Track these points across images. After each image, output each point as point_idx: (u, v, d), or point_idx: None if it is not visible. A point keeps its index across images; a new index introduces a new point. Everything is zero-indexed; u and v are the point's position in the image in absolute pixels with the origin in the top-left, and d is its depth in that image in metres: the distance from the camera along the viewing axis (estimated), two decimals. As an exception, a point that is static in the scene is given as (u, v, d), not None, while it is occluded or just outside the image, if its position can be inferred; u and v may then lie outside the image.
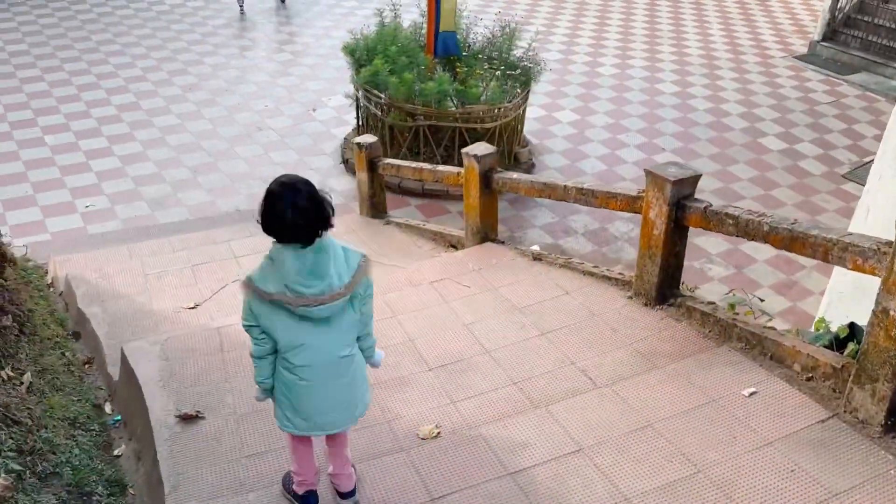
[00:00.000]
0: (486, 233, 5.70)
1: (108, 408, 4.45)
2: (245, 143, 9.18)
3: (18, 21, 12.63)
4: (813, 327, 4.32)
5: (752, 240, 3.80)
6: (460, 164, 5.73)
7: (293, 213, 2.57)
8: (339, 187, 8.51)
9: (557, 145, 9.77)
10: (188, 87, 10.81)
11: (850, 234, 3.35)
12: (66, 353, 4.74)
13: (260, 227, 2.65)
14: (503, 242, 5.74)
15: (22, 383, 3.80)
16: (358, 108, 9.12)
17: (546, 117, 10.45)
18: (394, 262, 5.78)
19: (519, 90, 8.78)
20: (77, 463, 3.59)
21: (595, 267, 5.01)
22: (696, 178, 4.17)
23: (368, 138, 6.97)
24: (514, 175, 5.47)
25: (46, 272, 6.26)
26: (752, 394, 3.61)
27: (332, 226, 2.68)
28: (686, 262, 7.69)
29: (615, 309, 4.53)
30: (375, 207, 7.14)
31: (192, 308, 5.35)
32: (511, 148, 8.94)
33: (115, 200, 8.14)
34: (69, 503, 3.34)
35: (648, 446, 3.40)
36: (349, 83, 9.35)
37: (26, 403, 3.61)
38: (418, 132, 8.49)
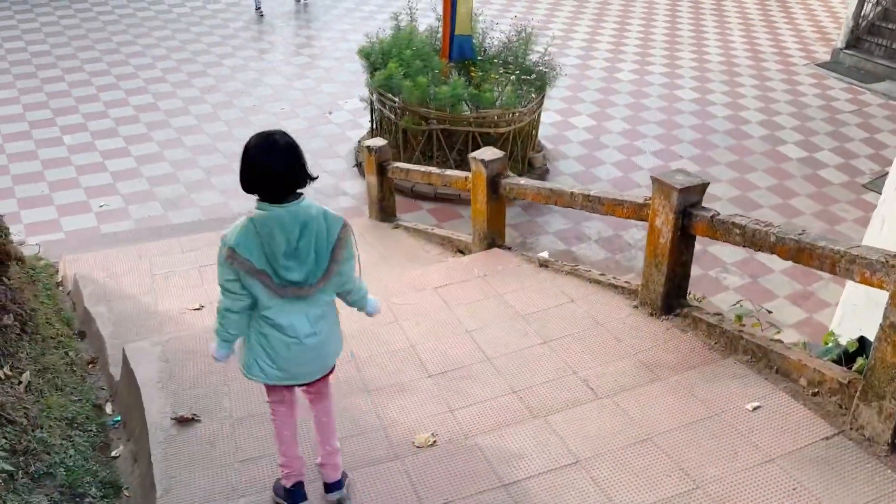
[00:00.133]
0: (494, 238, 5.64)
1: (108, 408, 4.45)
2: (260, 145, 9.14)
3: (41, 21, 12.78)
4: (822, 340, 4.22)
5: (760, 250, 3.72)
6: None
7: (271, 157, 2.62)
8: (352, 190, 8.49)
9: (573, 151, 9.69)
10: (206, 88, 10.87)
11: (858, 245, 3.26)
12: (70, 353, 4.75)
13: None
14: (510, 248, 5.68)
15: (21, 382, 3.80)
16: (372, 111, 9.11)
17: (562, 122, 10.37)
18: (400, 266, 5.74)
19: (534, 95, 8.72)
20: (71, 464, 3.58)
21: (602, 275, 4.93)
22: (703, 187, 4.09)
23: (378, 141, 6.94)
24: (522, 180, 5.41)
25: (57, 271, 6.30)
26: (755, 408, 3.53)
27: (311, 177, 2.75)
28: (701, 271, 7.57)
29: (620, 318, 4.46)
30: (384, 211, 7.11)
31: (197, 309, 5.34)
32: (525, 153, 8.87)
33: (129, 200, 8.18)
34: (61, 504, 3.34)
35: (647, 460, 3.33)
36: (364, 86, 9.35)
37: (23, 403, 3.61)
38: (432, 136, 8.45)
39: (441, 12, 8.66)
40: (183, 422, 3.73)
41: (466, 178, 5.72)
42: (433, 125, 8.34)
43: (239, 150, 2.73)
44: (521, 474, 3.31)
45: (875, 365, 3.14)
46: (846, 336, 4.32)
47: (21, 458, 3.32)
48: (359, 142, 9.37)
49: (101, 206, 8.03)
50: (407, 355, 4.26)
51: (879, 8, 12.50)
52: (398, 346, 4.34)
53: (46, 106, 10.11)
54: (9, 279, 4.39)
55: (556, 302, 4.72)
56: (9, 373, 3.72)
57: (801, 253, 3.47)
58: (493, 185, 5.40)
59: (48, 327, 4.71)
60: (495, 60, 9.07)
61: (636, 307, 4.52)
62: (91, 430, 4.03)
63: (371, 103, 9.02)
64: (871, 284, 3.15)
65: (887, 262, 3.06)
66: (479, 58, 8.98)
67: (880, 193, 6.22)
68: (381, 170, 6.85)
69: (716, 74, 12.15)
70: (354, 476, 3.33)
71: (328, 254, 2.76)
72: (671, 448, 3.37)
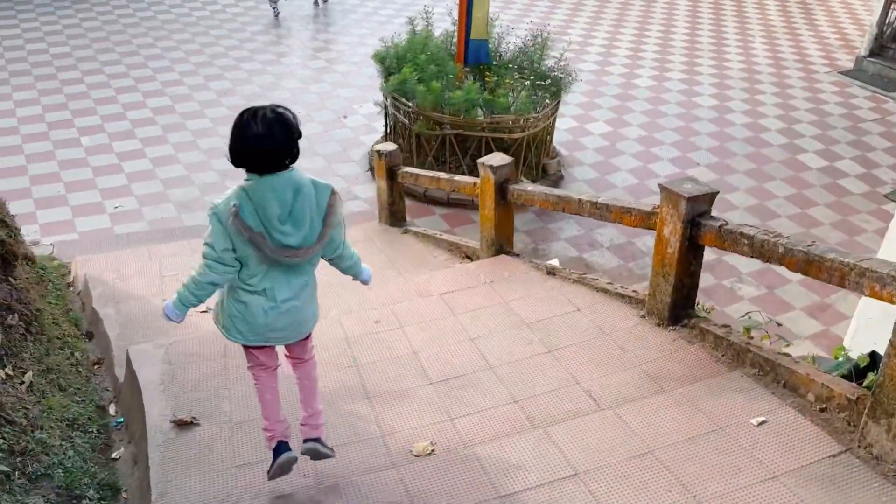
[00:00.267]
0: (502, 245, 5.60)
1: (112, 410, 4.46)
2: (274, 148, 9.16)
3: (63, 24, 12.93)
4: (832, 355, 4.13)
5: (768, 261, 3.64)
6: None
7: (261, 127, 2.66)
8: (364, 195, 8.48)
9: (588, 157, 9.61)
10: (223, 91, 10.92)
11: (869, 258, 3.18)
12: (76, 353, 4.76)
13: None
14: (518, 255, 5.62)
15: (23, 382, 3.81)
16: (386, 115, 9.10)
17: (578, 128, 10.29)
18: (407, 271, 5.71)
19: (549, 101, 8.66)
20: (70, 465, 3.58)
21: (609, 284, 4.87)
22: (712, 196, 4.02)
23: (388, 146, 6.92)
24: (530, 187, 5.36)
25: (69, 271, 6.34)
26: (761, 423, 3.45)
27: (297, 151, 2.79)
28: (715, 281, 7.46)
29: (626, 328, 4.39)
30: (394, 216, 7.08)
31: (204, 312, 5.33)
32: (540, 159, 8.81)
33: (143, 202, 8.23)
34: (57, 506, 3.34)
35: (647, 474, 3.26)
36: (379, 91, 9.34)
37: (24, 403, 3.61)
38: (445, 141, 8.42)
39: (457, 17, 8.63)
40: (182, 425, 3.73)
41: (475, 184, 5.69)
42: (447, 130, 8.32)
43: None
44: (517, 486, 3.25)
45: (884, 381, 3.06)
46: (860, 350, 4.21)
47: (19, 459, 3.32)
48: (372, 146, 9.37)
49: (115, 208, 8.08)
50: (409, 362, 4.22)
51: (904, 15, 12.30)
52: (401, 353, 4.31)
53: (66, 107, 10.21)
54: (15, 279, 4.41)
55: (561, 310, 4.66)
56: (11, 373, 3.73)
57: (809, 265, 3.39)
58: (502, 191, 5.36)
59: (54, 327, 4.73)
60: (510, 65, 9.03)
61: (643, 317, 4.45)
62: (92, 432, 4.03)
63: (385, 108, 9.01)
64: (881, 298, 3.07)
65: (897, 275, 2.98)
66: (494, 62, 8.94)
67: (900, 204, 6.11)
68: (391, 174, 6.83)
69: (736, 81, 12.00)
70: (351, 484, 3.30)
71: (321, 220, 2.83)
72: (672, 462, 3.30)
